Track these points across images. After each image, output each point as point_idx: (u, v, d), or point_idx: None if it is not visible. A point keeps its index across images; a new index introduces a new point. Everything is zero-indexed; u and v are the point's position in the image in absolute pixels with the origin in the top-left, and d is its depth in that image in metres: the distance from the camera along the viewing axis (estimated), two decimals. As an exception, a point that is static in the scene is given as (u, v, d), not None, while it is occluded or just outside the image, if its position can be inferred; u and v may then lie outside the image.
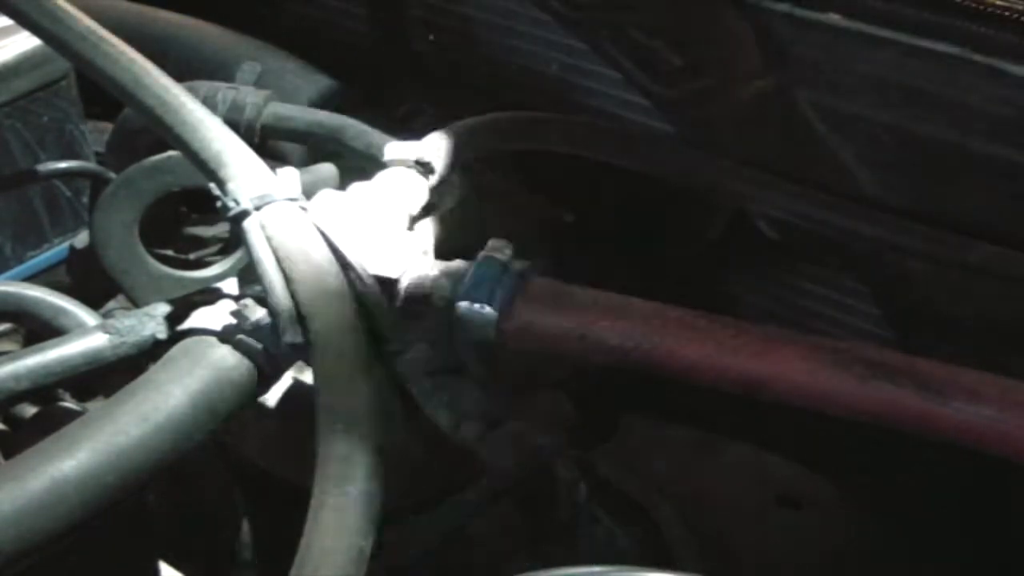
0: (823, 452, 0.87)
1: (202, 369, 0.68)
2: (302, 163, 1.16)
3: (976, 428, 0.66)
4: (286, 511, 0.68)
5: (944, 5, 0.93)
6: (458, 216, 1.08)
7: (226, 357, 0.69)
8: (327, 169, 1.13)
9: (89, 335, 0.73)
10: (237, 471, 0.82)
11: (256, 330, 0.70)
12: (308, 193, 0.76)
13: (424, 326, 0.84)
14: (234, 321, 0.70)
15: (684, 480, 0.84)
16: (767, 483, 0.83)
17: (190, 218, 1.17)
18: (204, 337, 0.70)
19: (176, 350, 0.70)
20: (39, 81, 1.13)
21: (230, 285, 0.78)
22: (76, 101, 1.17)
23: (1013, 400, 0.67)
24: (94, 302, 0.92)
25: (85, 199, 1.19)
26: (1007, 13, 0.88)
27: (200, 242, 1.16)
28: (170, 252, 1.13)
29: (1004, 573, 0.92)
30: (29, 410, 0.80)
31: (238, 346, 0.69)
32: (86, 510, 0.60)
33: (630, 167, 1.16)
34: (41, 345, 0.73)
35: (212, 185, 0.73)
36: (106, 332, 0.73)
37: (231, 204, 0.71)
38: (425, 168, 0.94)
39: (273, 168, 0.75)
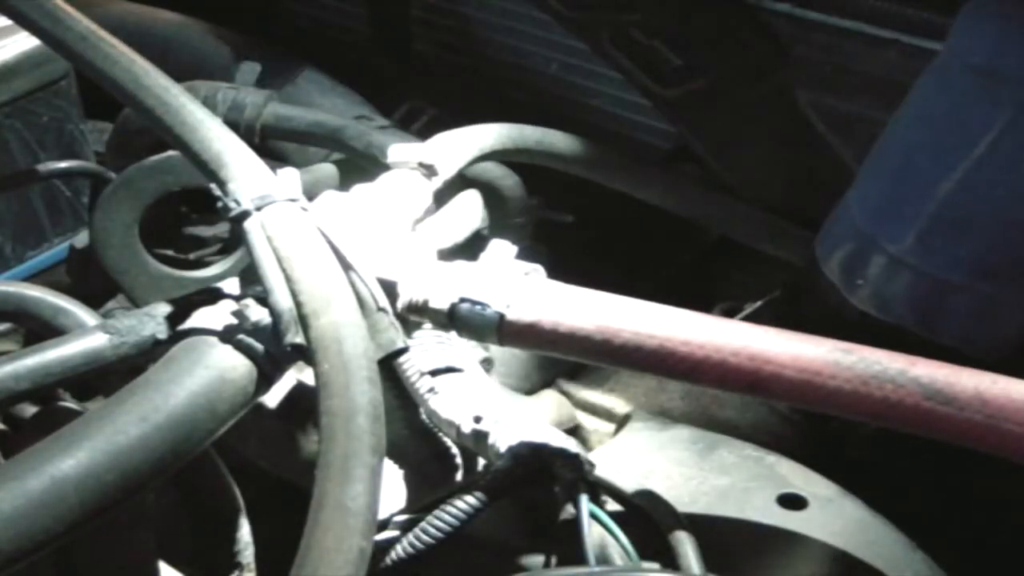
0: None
1: (202, 369, 0.67)
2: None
3: (977, 428, 0.66)
4: (286, 511, 0.68)
5: (945, 5, 0.93)
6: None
7: (226, 357, 0.69)
8: (327, 169, 1.13)
9: (89, 335, 0.73)
10: (237, 471, 0.82)
11: (257, 330, 0.70)
12: (308, 193, 0.76)
13: (425, 328, 0.85)
14: (235, 321, 0.70)
15: (684, 480, 0.84)
16: (767, 483, 0.83)
17: (190, 218, 1.17)
18: (204, 337, 0.70)
19: (176, 350, 0.70)
20: (39, 81, 1.13)
21: (231, 285, 0.77)
22: (76, 101, 1.17)
23: (1014, 400, 0.67)
24: (94, 302, 0.92)
25: (85, 199, 1.19)
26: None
27: (200, 242, 1.16)
28: (170, 252, 1.14)
29: (1004, 572, 0.92)
30: (29, 410, 0.79)
31: (238, 346, 0.69)
32: (86, 510, 0.60)
33: (631, 195, 1.17)
34: (41, 345, 0.73)
35: (212, 185, 0.73)
36: (106, 332, 0.73)
37: (232, 205, 0.71)
38: (429, 171, 0.94)
39: (273, 168, 0.74)
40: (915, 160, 0.92)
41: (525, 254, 0.82)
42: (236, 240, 1.09)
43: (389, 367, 0.79)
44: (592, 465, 0.78)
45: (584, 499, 0.75)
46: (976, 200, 0.87)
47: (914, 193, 0.91)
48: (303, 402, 0.85)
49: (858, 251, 0.94)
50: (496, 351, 0.95)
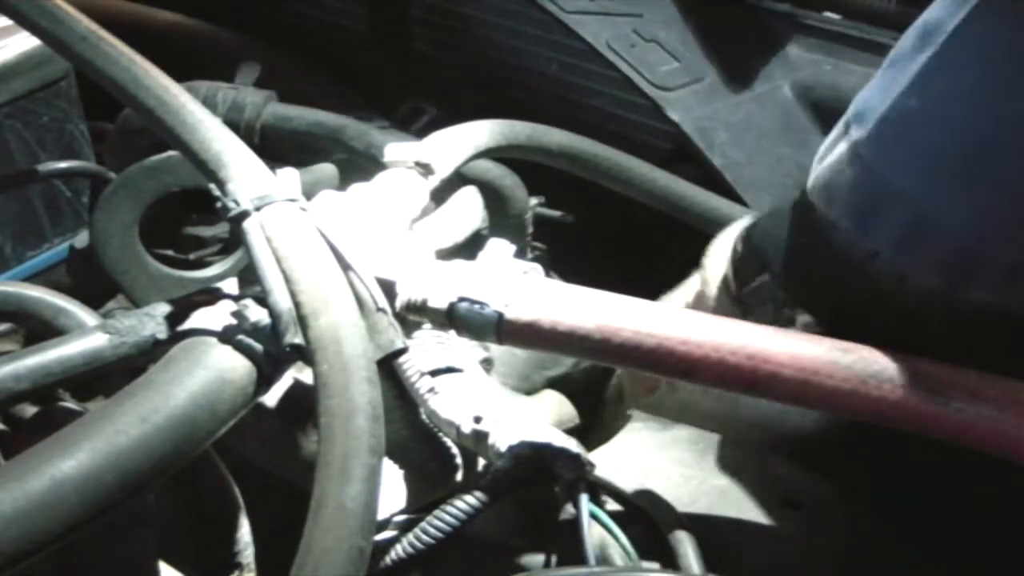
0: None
1: (202, 369, 0.67)
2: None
3: (977, 428, 0.66)
4: (286, 511, 0.68)
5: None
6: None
7: (226, 358, 0.69)
8: (327, 169, 1.14)
9: (89, 335, 0.73)
10: (237, 471, 0.82)
11: (256, 330, 0.70)
12: (308, 193, 0.76)
13: (424, 327, 0.85)
14: (234, 321, 0.70)
15: (684, 480, 0.84)
16: (767, 483, 0.83)
17: (190, 218, 1.17)
18: (204, 337, 0.70)
19: (176, 350, 0.70)
20: (39, 81, 1.13)
21: (230, 285, 0.78)
22: (76, 101, 1.17)
23: (1013, 400, 0.67)
24: (94, 302, 0.92)
25: (85, 199, 1.19)
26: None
27: (200, 242, 1.16)
28: (170, 252, 1.14)
29: (1003, 572, 0.92)
30: (29, 410, 0.80)
31: (238, 346, 0.69)
32: (86, 510, 0.60)
33: (625, 194, 1.17)
34: (41, 345, 0.73)
35: (212, 185, 0.73)
36: (106, 332, 0.73)
37: (231, 205, 0.71)
38: (425, 169, 0.94)
39: (273, 168, 0.75)
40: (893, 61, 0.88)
41: (524, 253, 0.82)
42: (236, 240, 1.09)
43: (389, 367, 0.79)
44: (592, 465, 0.78)
45: (584, 499, 0.75)
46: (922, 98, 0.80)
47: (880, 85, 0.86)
48: (303, 402, 0.85)
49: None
50: (496, 351, 0.95)
